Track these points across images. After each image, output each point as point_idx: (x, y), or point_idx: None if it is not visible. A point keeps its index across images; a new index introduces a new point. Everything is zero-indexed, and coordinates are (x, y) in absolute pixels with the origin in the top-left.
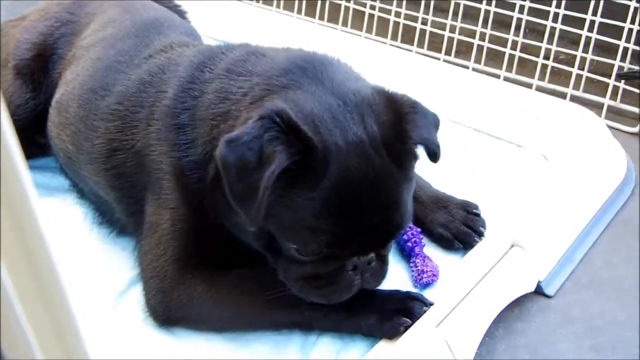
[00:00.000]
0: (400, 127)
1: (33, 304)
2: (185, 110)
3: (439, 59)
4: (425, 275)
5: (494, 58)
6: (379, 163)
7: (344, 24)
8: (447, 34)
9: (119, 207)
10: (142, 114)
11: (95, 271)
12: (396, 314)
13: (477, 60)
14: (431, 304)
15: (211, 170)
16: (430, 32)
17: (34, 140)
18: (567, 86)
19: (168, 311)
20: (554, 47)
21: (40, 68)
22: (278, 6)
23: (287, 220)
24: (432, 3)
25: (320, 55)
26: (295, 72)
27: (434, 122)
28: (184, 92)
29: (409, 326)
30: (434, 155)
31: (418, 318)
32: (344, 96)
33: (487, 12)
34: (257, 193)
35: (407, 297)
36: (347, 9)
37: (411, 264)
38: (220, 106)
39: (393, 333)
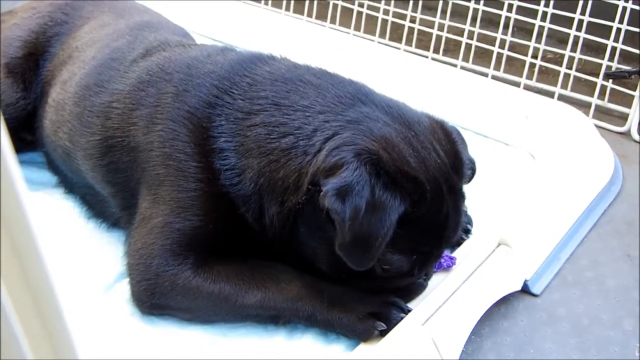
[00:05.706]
0: (458, 153)
1: (24, 305)
2: (221, 134)
3: (427, 57)
4: (443, 260)
5: (482, 56)
6: (458, 187)
7: (332, 21)
8: (435, 32)
9: (115, 200)
10: (142, 111)
11: (84, 265)
12: (371, 317)
13: (465, 59)
14: (409, 311)
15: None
16: (419, 30)
17: (21, 137)
18: (555, 85)
19: (152, 298)
20: (542, 46)
21: (31, 67)
22: (266, 3)
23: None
24: (420, 1)
25: (355, 81)
26: (354, 103)
27: (466, 145)
28: (210, 107)
29: (385, 331)
30: (473, 176)
31: (395, 324)
32: (412, 126)
33: (475, 10)
34: (372, 239)
35: (386, 302)
36: (335, 6)
37: None
38: (282, 141)
39: (366, 336)
